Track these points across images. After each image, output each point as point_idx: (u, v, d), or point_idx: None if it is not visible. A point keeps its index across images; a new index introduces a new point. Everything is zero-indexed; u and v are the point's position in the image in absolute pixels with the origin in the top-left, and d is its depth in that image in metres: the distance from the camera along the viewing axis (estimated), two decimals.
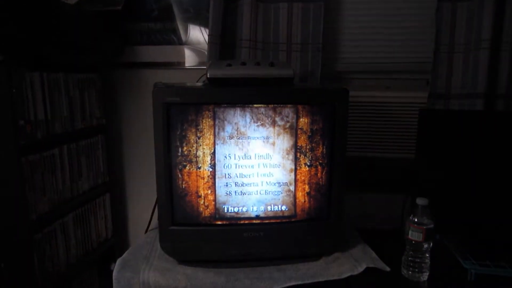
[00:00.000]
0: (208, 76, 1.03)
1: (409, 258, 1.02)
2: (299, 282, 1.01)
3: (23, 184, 1.08)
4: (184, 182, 1.05)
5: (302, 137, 1.06)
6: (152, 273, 1.04)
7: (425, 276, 1.02)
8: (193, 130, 1.03)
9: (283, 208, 1.09)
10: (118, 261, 1.09)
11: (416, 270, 1.02)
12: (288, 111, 1.05)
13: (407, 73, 1.48)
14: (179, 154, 1.04)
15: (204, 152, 1.05)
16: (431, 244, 1.01)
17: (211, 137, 1.04)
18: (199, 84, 1.15)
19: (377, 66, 1.48)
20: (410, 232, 1.00)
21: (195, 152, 1.04)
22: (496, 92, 1.33)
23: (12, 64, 1.02)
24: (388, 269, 1.05)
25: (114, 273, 1.04)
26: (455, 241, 1.17)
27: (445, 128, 1.15)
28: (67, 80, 1.27)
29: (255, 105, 1.03)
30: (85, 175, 1.39)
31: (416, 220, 1.00)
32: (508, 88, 1.32)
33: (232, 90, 1.03)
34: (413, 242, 1.00)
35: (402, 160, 1.44)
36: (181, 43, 1.52)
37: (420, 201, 1.00)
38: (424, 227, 0.99)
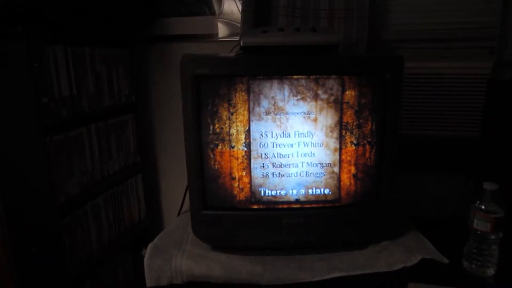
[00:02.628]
0: (241, 45, 0.93)
1: (473, 250, 0.89)
2: (344, 274, 0.91)
3: (49, 165, 1.03)
4: (216, 163, 0.97)
5: (348, 112, 0.94)
6: (184, 260, 0.97)
7: (491, 271, 0.89)
8: (225, 105, 0.93)
9: (326, 191, 0.99)
10: (149, 247, 1.03)
11: (483, 264, 0.88)
12: (332, 82, 0.92)
13: (467, 40, 1.29)
14: (211, 132, 0.95)
15: (237, 130, 0.95)
16: (501, 235, 0.87)
17: (245, 113, 0.94)
18: (232, 54, 1.04)
19: (432, 33, 1.31)
20: (475, 221, 0.87)
21: (228, 129, 0.95)
22: None
23: (32, 36, 0.95)
24: (446, 261, 0.92)
25: (145, 260, 0.98)
26: None
27: None
28: (93, 54, 1.20)
29: (294, 77, 0.92)
30: (115, 155, 1.33)
31: (483, 207, 0.86)
32: None
33: (269, 60, 0.91)
34: (479, 232, 0.87)
35: (460, 139, 1.28)
36: (213, 14, 1.42)
37: (489, 185, 0.85)
38: (493, 216, 0.85)
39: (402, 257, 0.94)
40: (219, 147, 0.96)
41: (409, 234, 1.05)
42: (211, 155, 0.96)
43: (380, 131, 0.95)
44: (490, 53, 1.25)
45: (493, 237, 0.87)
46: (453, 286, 0.86)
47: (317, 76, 0.92)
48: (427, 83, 1.30)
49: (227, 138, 0.95)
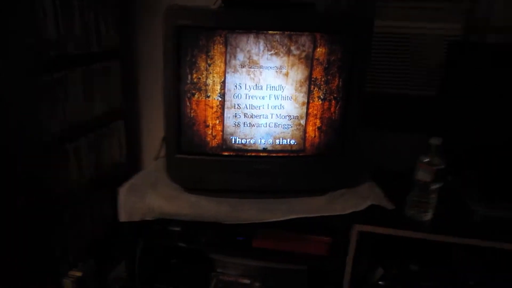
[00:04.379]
0: None
1: (415, 198, 1.01)
2: (302, 215, 1.02)
3: (35, 104, 1.07)
4: (192, 111, 1.04)
5: (317, 69, 1.02)
6: (157, 199, 1.06)
7: (428, 216, 1.02)
8: (204, 56, 0.99)
9: (292, 142, 1.08)
10: (125, 185, 1.11)
11: (421, 210, 1.01)
12: (304, 39, 0.99)
13: (442, 1, 1.33)
14: (188, 81, 1.01)
15: (214, 81, 1.02)
16: (440, 185, 0.99)
17: (222, 65, 1.00)
18: (214, 7, 1.08)
19: None
20: (419, 172, 0.98)
21: (204, 80, 1.01)
22: None
23: None
24: (392, 207, 1.05)
25: (120, 197, 1.07)
26: (467, 183, 1.14)
27: (476, 63, 1.05)
28: None
29: (269, 32, 0.98)
30: (99, 100, 1.37)
31: (427, 160, 0.97)
32: None
33: (247, 13, 0.97)
34: (421, 182, 0.98)
35: (425, 98, 1.36)
36: None
37: (434, 140, 0.96)
38: (435, 168, 0.96)
39: (354, 203, 1.05)
40: (196, 96, 1.03)
41: (365, 184, 1.16)
42: (188, 103, 1.03)
43: (346, 88, 1.03)
44: (462, 14, 1.28)
45: (433, 187, 0.98)
46: (394, 228, 0.99)
47: (291, 32, 0.98)
48: (398, 43, 1.36)
49: (203, 88, 1.02)
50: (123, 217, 1.07)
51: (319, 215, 1.02)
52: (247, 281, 1.30)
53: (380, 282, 1.12)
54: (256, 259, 1.23)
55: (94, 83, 1.34)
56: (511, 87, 1.06)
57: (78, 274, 1.37)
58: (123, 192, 1.09)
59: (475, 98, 1.07)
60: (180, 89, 1.01)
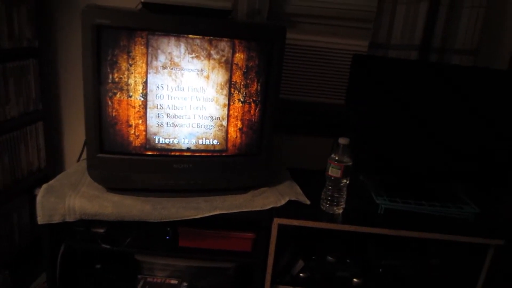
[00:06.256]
0: (142, 0, 0.99)
1: (328, 193, 1.10)
2: (224, 212, 1.06)
3: None
4: (114, 110, 1.04)
5: (237, 73, 1.07)
6: (78, 200, 1.04)
7: (340, 209, 1.11)
8: (125, 56, 1.00)
9: (215, 142, 1.11)
10: (43, 186, 1.08)
11: (335, 203, 1.09)
12: (224, 45, 1.03)
13: (353, 20, 1.48)
14: (110, 80, 1.01)
15: (135, 81, 1.02)
16: (348, 180, 1.08)
17: (144, 65, 1.01)
18: (135, 9, 1.09)
19: (325, 10, 1.48)
20: (330, 168, 1.07)
21: (126, 80, 1.02)
22: (431, 45, 1.38)
23: None
24: (308, 202, 1.12)
25: (38, 198, 1.03)
26: (375, 182, 1.26)
27: (374, 74, 1.18)
28: None
29: (190, 36, 1.01)
30: (14, 100, 1.31)
31: (336, 158, 1.06)
32: (443, 42, 1.37)
33: (167, 17, 0.99)
34: (332, 178, 1.07)
35: (338, 105, 1.49)
36: None
37: (342, 140, 1.05)
38: (343, 165, 1.05)
39: (274, 199, 1.11)
40: (117, 95, 1.03)
41: (285, 182, 1.23)
42: (109, 103, 1.03)
43: (264, 92, 1.09)
44: (368, 33, 1.44)
45: (343, 181, 1.08)
46: (308, 220, 1.06)
47: (211, 37, 1.02)
48: (316, 56, 1.48)
49: (125, 87, 1.02)
50: (41, 219, 1.03)
51: (240, 210, 1.07)
52: (174, 281, 1.30)
53: (300, 274, 1.18)
54: (183, 258, 1.24)
55: (8, 83, 1.27)
56: (406, 96, 1.19)
57: None
58: (41, 193, 1.05)
59: (375, 106, 1.20)
60: (100, 88, 1.01)
